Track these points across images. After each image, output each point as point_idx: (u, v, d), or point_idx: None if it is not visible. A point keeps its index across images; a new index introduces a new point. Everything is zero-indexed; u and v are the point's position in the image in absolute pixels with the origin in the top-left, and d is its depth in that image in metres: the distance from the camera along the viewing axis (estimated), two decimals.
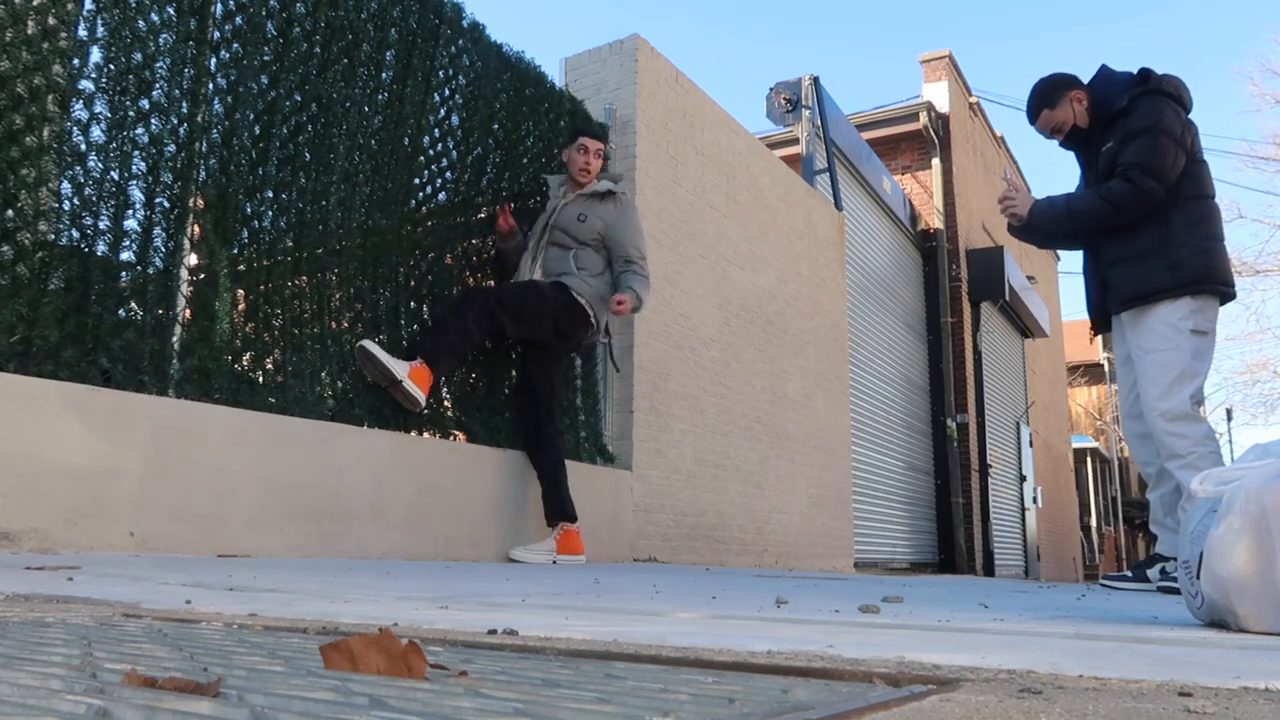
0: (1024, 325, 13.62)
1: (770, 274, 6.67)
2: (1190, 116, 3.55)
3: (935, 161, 11.28)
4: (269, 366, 3.20)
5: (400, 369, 3.42)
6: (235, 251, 3.10)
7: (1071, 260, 17.81)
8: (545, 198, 4.47)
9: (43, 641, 0.91)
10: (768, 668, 0.91)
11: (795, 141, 8.57)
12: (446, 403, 3.94)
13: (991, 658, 1.04)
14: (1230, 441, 22.70)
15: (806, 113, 8.27)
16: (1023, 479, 12.96)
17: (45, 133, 2.60)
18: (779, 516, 6.43)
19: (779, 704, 0.69)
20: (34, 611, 1.24)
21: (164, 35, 2.91)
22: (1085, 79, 3.70)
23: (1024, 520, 12.95)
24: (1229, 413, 23.18)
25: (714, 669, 0.90)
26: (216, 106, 3.08)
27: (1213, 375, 25.90)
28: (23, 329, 2.48)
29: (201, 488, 2.79)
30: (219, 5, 3.09)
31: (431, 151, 3.96)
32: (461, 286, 4.14)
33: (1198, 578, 1.60)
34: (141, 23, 2.84)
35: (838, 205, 8.21)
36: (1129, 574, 3.78)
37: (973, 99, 12.81)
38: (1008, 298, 11.79)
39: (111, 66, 2.75)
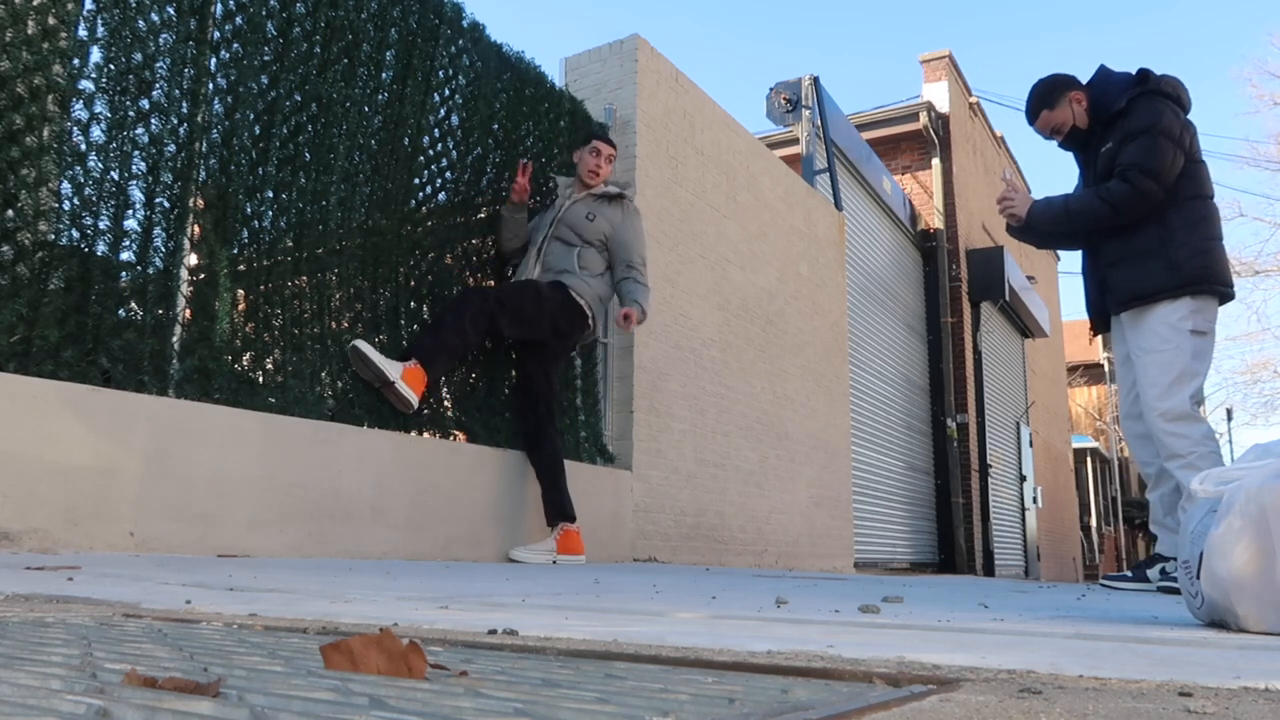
0: (1024, 325, 13.62)
1: (770, 274, 6.67)
2: (1189, 117, 3.56)
3: (935, 161, 11.29)
4: (269, 366, 3.19)
5: (393, 370, 3.41)
6: (235, 251, 3.10)
7: (1071, 260, 17.82)
8: (553, 197, 4.48)
9: (43, 641, 0.91)
10: (768, 668, 0.91)
11: (795, 141, 8.57)
12: (446, 403, 3.94)
13: (991, 658, 1.04)
14: (1230, 441, 22.71)
15: (806, 113, 8.27)
16: (1023, 479, 12.96)
17: (45, 133, 2.60)
18: (779, 516, 6.43)
19: (779, 704, 0.69)
20: (34, 611, 1.24)
21: (164, 35, 2.91)
22: (1084, 79, 3.70)
23: (1024, 520, 12.95)
24: (1229, 413, 23.18)
25: (714, 669, 0.90)
26: (216, 106, 3.08)
27: (1213, 375, 25.91)
28: (23, 329, 2.48)
29: (201, 488, 2.79)
30: (219, 5, 3.09)
31: (431, 151, 3.96)
32: (461, 286, 4.14)
33: (1198, 578, 1.60)
34: (141, 23, 2.84)
35: (838, 205, 8.21)
36: (1129, 574, 3.78)
37: (973, 99, 12.81)
38: (1008, 298, 11.79)
39: (111, 66, 2.75)
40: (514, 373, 4.25)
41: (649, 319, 5.07)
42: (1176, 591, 3.05)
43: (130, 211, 2.79)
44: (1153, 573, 3.61)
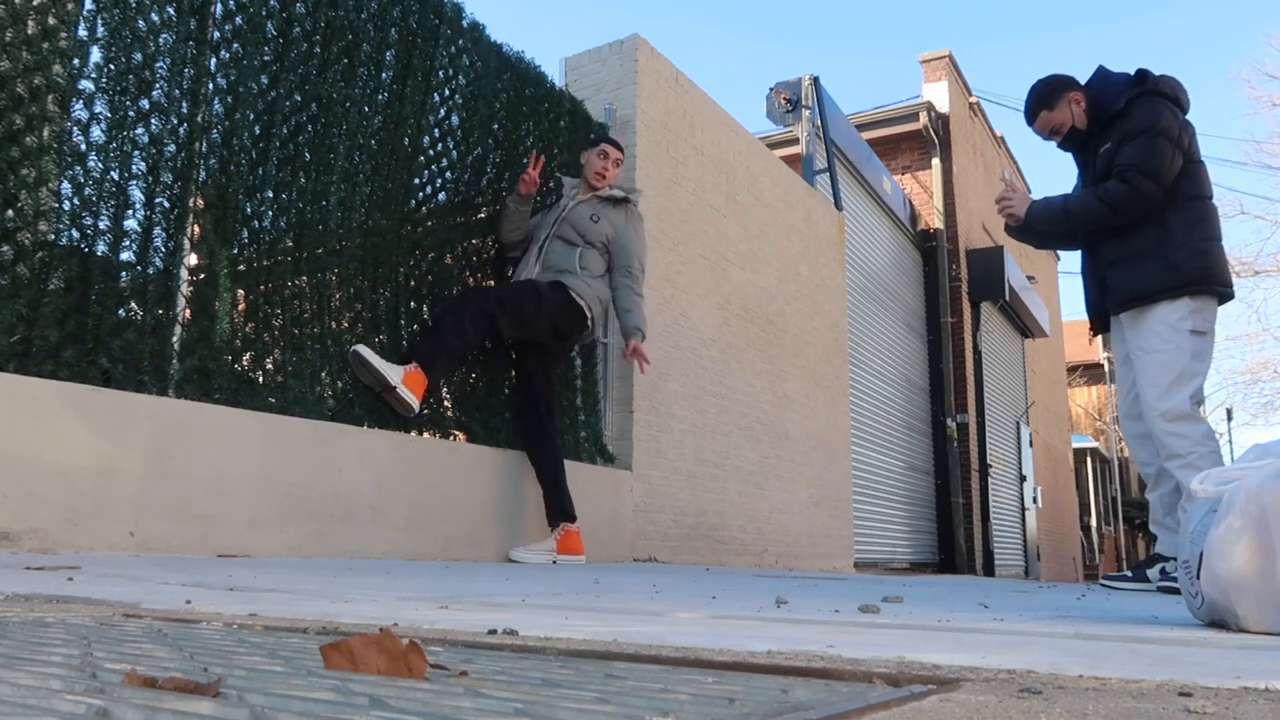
0: (1024, 325, 13.62)
1: (770, 274, 6.67)
2: (1188, 117, 3.56)
3: (935, 161, 11.29)
4: (269, 366, 3.19)
5: (394, 375, 3.41)
6: (235, 251, 3.10)
7: (1071, 260, 17.84)
8: (554, 196, 4.49)
9: (43, 641, 0.91)
10: (768, 668, 0.91)
11: (795, 141, 8.57)
12: (446, 403, 3.94)
13: (991, 658, 1.04)
14: (1230, 441, 22.70)
15: (806, 113, 8.27)
16: (1023, 479, 12.96)
17: (45, 133, 2.60)
18: (779, 516, 6.43)
19: (779, 704, 0.69)
20: (34, 611, 1.24)
21: (164, 35, 2.91)
22: (1083, 80, 3.70)
23: (1024, 520, 12.95)
24: (1229, 413, 23.17)
25: (714, 669, 0.90)
26: (216, 106, 3.08)
27: (1213, 375, 25.93)
28: (23, 329, 2.48)
29: (201, 488, 2.79)
30: (219, 5, 3.09)
31: (431, 151, 3.96)
32: (461, 286, 4.14)
33: (1198, 578, 1.60)
34: (141, 23, 2.84)
35: (838, 205, 8.21)
36: (1129, 574, 3.78)
37: (973, 99, 12.81)
38: (1008, 298, 11.79)
39: (111, 66, 2.75)
40: (514, 373, 4.25)
41: (649, 319, 5.08)
42: (1176, 591, 3.05)
43: (130, 211, 2.79)
44: (1153, 573, 3.61)
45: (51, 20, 2.63)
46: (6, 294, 2.47)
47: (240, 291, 3.12)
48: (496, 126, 4.30)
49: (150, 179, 2.85)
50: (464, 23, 4.10)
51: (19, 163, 2.53)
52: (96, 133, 2.72)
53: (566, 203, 4.21)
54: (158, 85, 2.88)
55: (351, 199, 3.53)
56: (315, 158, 3.38)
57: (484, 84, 4.20)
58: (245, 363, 3.11)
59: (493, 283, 4.32)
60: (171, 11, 2.93)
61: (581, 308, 4.02)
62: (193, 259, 2.97)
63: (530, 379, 4.05)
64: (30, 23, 2.58)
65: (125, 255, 2.79)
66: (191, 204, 2.96)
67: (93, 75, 2.72)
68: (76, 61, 2.69)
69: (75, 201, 2.66)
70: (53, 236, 2.62)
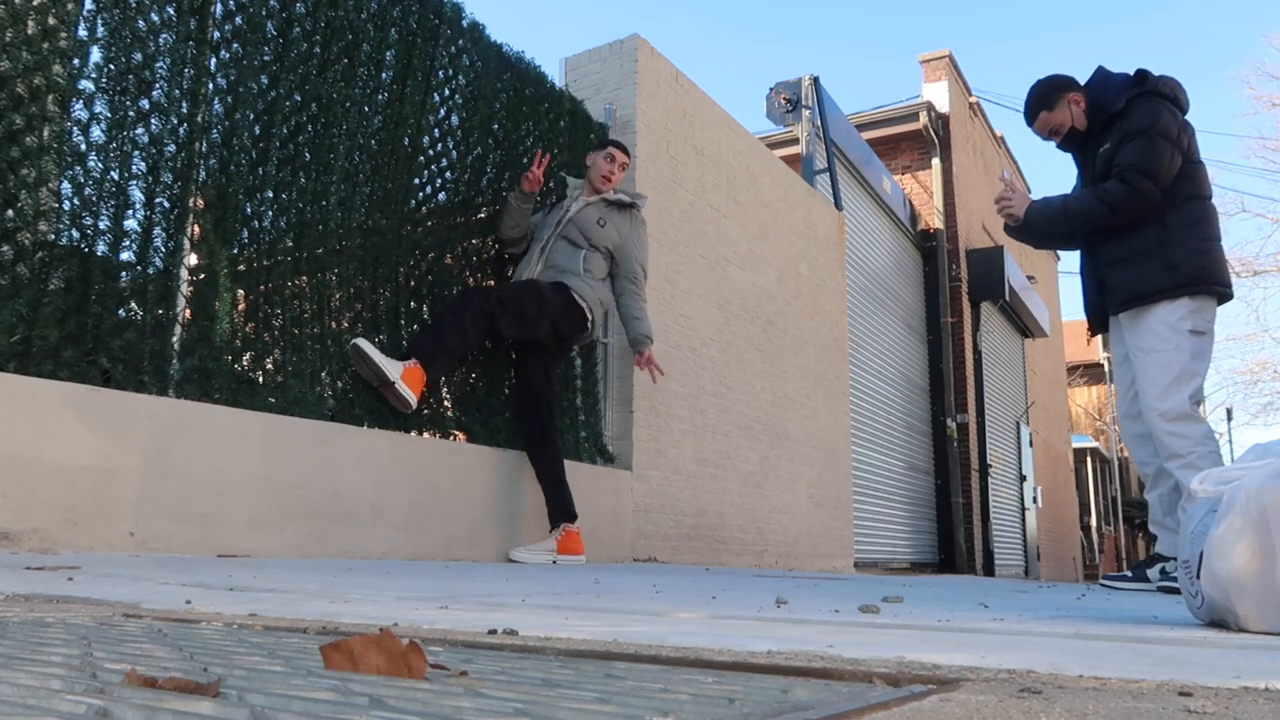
0: (1024, 325, 13.62)
1: (770, 274, 6.67)
2: (1187, 118, 3.56)
3: (935, 161, 11.29)
4: (269, 366, 3.19)
5: (393, 370, 3.41)
6: (235, 251, 3.10)
7: (1071, 260, 17.84)
8: (555, 196, 4.48)
9: (43, 641, 0.91)
10: (768, 668, 0.91)
11: (795, 141, 8.57)
12: (446, 403, 3.94)
13: (991, 658, 1.04)
14: (1230, 441, 22.70)
15: (806, 113, 8.27)
16: (1023, 479, 12.96)
17: (45, 133, 2.60)
18: (779, 516, 6.43)
19: (779, 704, 0.69)
20: (34, 611, 1.24)
21: (164, 35, 2.91)
22: (1083, 80, 3.70)
23: (1024, 520, 12.95)
24: (1229, 413, 23.16)
25: (714, 669, 0.90)
26: (216, 106, 3.08)
27: (1213, 375, 25.94)
28: (23, 329, 2.48)
29: (201, 488, 2.79)
30: (219, 5, 3.09)
31: (431, 151, 3.95)
32: (462, 286, 4.14)
33: (1198, 578, 1.60)
34: (141, 23, 2.84)
35: (838, 205, 8.21)
36: (1129, 574, 3.78)
37: (973, 99, 12.81)
38: (1008, 298, 11.79)
39: (111, 66, 2.75)
40: (514, 373, 4.25)
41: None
42: (1176, 591, 3.05)
43: (130, 211, 2.79)
44: (1153, 573, 3.61)
45: (51, 20, 2.63)
46: (6, 294, 2.47)
47: (240, 291, 3.12)
48: (496, 126, 4.30)
49: (150, 179, 2.85)
50: (464, 23, 4.10)
51: (19, 163, 2.53)
52: (96, 133, 2.72)
53: (570, 203, 4.21)
54: (158, 85, 2.88)
55: (351, 199, 3.53)
56: (315, 158, 3.38)
57: (484, 84, 4.20)
58: (245, 363, 3.11)
59: (493, 282, 4.32)
60: (171, 11, 2.93)
61: (583, 309, 4.02)
62: (193, 259, 2.97)
63: (531, 379, 4.05)
64: (30, 23, 2.58)
65: (125, 255, 2.79)
66: (191, 204, 2.96)
67: (93, 75, 2.72)
68: (76, 61, 2.69)
69: (75, 201, 2.66)
70: (53, 236, 2.62)
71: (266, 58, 3.24)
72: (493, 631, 1.19)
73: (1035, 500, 13.23)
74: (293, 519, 3.05)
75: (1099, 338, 13.68)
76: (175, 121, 2.92)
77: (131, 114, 2.80)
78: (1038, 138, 3.78)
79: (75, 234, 2.66)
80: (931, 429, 10.78)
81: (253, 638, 1.04)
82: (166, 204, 2.89)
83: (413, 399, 3.47)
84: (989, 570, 10.89)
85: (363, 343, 3.36)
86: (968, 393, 10.99)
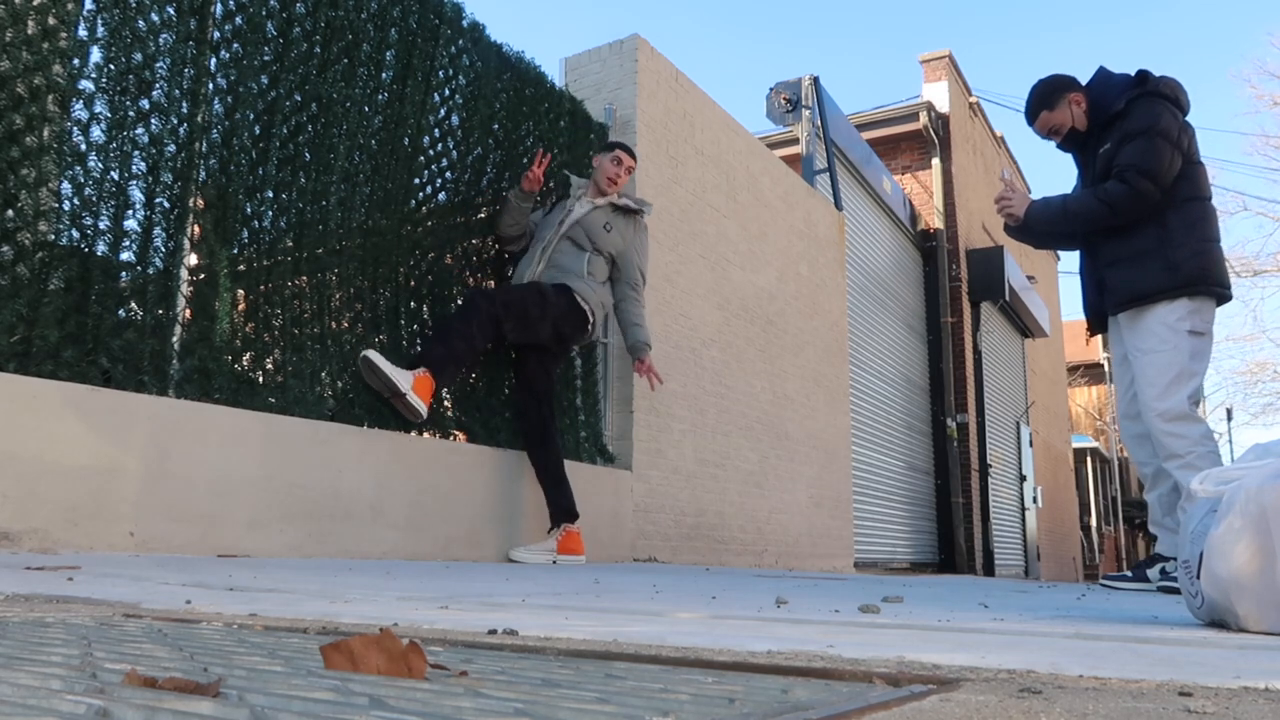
0: (1024, 325, 13.62)
1: (770, 274, 6.67)
2: (1188, 119, 3.56)
3: (935, 161, 11.29)
4: (269, 366, 3.19)
5: (404, 381, 3.42)
6: (235, 251, 3.10)
7: (1071, 260, 17.84)
8: (556, 195, 4.48)
9: (43, 641, 0.91)
10: (768, 668, 0.91)
11: (795, 141, 8.57)
12: (446, 403, 3.94)
13: (991, 658, 1.04)
14: (1230, 441, 22.71)
15: (806, 113, 8.27)
16: (1023, 479, 12.96)
17: (45, 133, 2.60)
18: (779, 516, 6.43)
19: (779, 704, 0.69)
20: (34, 611, 1.24)
21: (164, 35, 2.91)
22: (1084, 80, 3.70)
23: (1024, 520, 12.95)
24: (1229, 413, 23.17)
25: (714, 669, 0.90)
26: (216, 106, 3.08)
27: (1213, 375, 25.95)
28: (23, 329, 2.48)
29: (201, 488, 2.79)
30: (219, 5, 3.09)
31: (431, 151, 3.95)
32: (462, 286, 4.14)
33: (1198, 578, 1.60)
34: (141, 23, 2.84)
35: (838, 205, 8.21)
36: (1129, 574, 3.79)
37: (973, 99, 12.81)
38: (1008, 298, 11.79)
39: (111, 66, 2.75)
40: (514, 373, 4.25)
41: (649, 319, 5.08)
42: (1176, 591, 3.05)
43: (130, 211, 2.79)
44: (1153, 573, 3.61)
45: (51, 20, 2.63)
46: (6, 294, 2.47)
47: (240, 291, 3.12)
48: (496, 126, 4.30)
49: (150, 179, 2.85)
50: (464, 23, 4.10)
51: (19, 163, 2.53)
52: (96, 133, 2.72)
53: (574, 203, 4.20)
54: (158, 85, 2.88)
55: (351, 199, 3.53)
56: (315, 158, 3.38)
57: (484, 84, 4.19)
58: (245, 363, 3.11)
59: (493, 282, 4.32)
60: (171, 11, 2.93)
61: (585, 312, 4.03)
62: (193, 259, 2.97)
63: (531, 379, 4.06)
64: (30, 23, 2.58)
65: (125, 255, 2.79)
66: (191, 204, 2.96)
67: (93, 75, 2.72)
68: (76, 61, 2.69)
69: (75, 201, 2.66)
70: (53, 236, 2.62)
71: (266, 58, 3.24)
72: (493, 631, 1.19)
73: (1035, 500, 13.23)
74: (293, 519, 3.05)
75: (1099, 338, 13.69)
76: (175, 121, 2.92)
77: (131, 114, 2.80)
78: (1038, 137, 3.79)
79: (75, 234, 2.66)
80: (931, 429, 10.78)
81: (253, 638, 1.04)
82: (166, 204, 2.89)
83: (424, 409, 3.49)
84: (989, 570, 10.89)
85: (373, 354, 3.36)
86: (968, 393, 10.99)
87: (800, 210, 7.31)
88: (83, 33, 2.71)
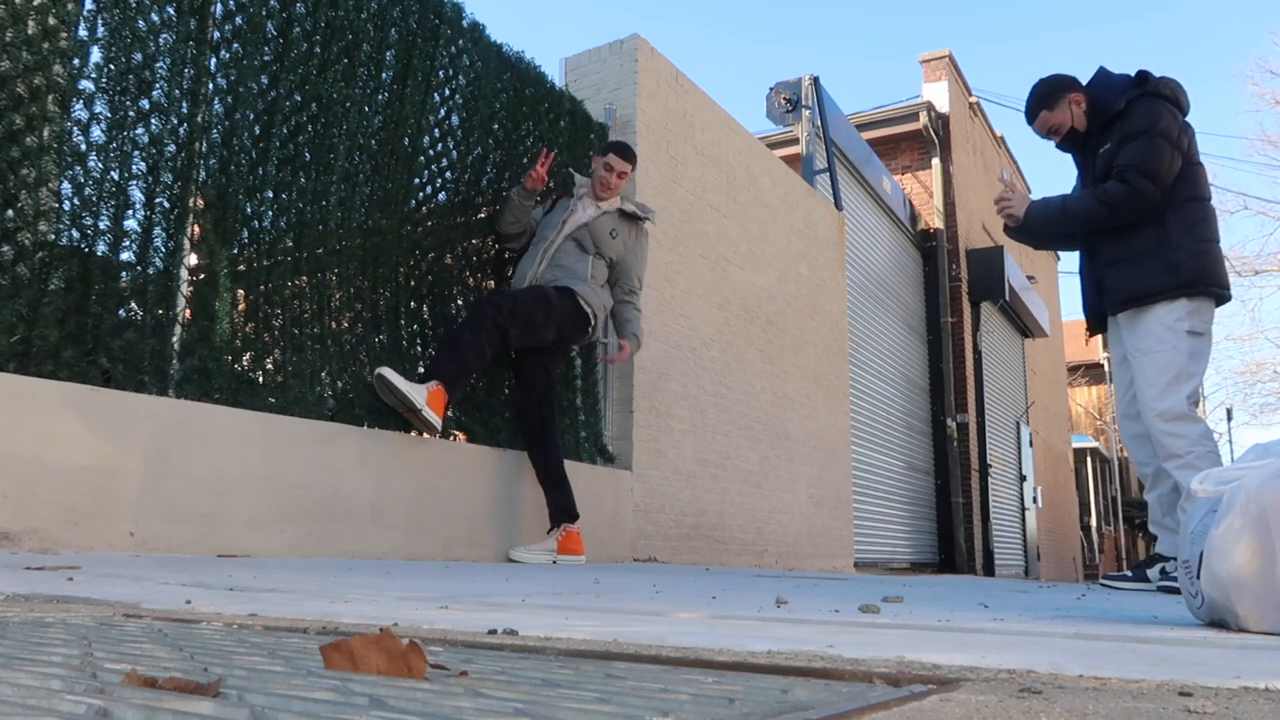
0: (1024, 325, 13.62)
1: (770, 274, 6.67)
2: (1188, 119, 3.56)
3: (935, 161, 11.28)
4: (269, 366, 3.20)
5: (419, 396, 3.43)
6: (235, 251, 3.10)
7: (1071, 260, 17.83)
8: (557, 194, 4.48)
9: (43, 641, 0.91)
10: (768, 668, 0.91)
11: (795, 141, 8.57)
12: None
13: (991, 658, 1.04)
14: (1230, 441, 22.71)
15: (806, 113, 8.27)
16: (1023, 479, 12.96)
17: (45, 133, 2.60)
18: (779, 516, 6.43)
19: (779, 704, 0.69)
20: (34, 611, 1.24)
21: (164, 35, 2.91)
22: (1085, 80, 3.70)
23: (1024, 520, 12.95)
24: (1229, 413, 23.17)
25: (714, 669, 0.90)
26: (216, 106, 3.08)
27: (1213, 375, 25.94)
28: (23, 329, 2.48)
29: (201, 488, 2.79)
30: (219, 5, 3.09)
31: (431, 151, 3.95)
32: (462, 286, 4.14)
33: (1198, 578, 1.60)
34: (141, 23, 2.84)
35: (838, 205, 8.21)
36: (1129, 574, 3.78)
37: (973, 99, 12.81)
38: (1008, 298, 11.79)
39: (111, 66, 2.75)
40: (514, 373, 4.24)
41: (649, 319, 5.08)
42: (1176, 591, 3.05)
43: (130, 211, 2.79)
44: (1153, 573, 3.61)
45: (51, 20, 2.63)
46: (6, 294, 2.47)
47: (240, 291, 3.12)
48: (496, 126, 4.30)
49: (150, 179, 2.85)
50: (464, 23, 4.10)
51: (19, 163, 2.53)
52: (96, 133, 2.72)
53: (576, 203, 4.20)
54: (158, 85, 2.88)
55: (351, 199, 3.53)
56: (315, 158, 3.38)
57: (484, 84, 4.19)
58: (245, 363, 3.11)
59: (493, 283, 4.32)
60: (171, 11, 2.93)
61: (588, 315, 4.04)
62: (193, 259, 2.97)
63: (532, 379, 4.06)
64: (30, 23, 2.58)
65: (125, 255, 2.79)
66: (191, 204, 2.96)
67: (93, 75, 2.72)
68: (76, 61, 2.69)
69: (75, 201, 2.66)
70: (53, 236, 2.62)
71: (266, 58, 3.24)
72: (493, 631, 1.19)
73: (1035, 500, 13.23)
74: (293, 519, 3.05)
75: (1099, 337, 13.70)
76: (175, 121, 2.92)
77: (131, 114, 2.80)
78: (1038, 136, 3.79)
79: (75, 234, 2.66)
80: (931, 429, 10.78)
81: (253, 638, 1.04)
82: (166, 204, 2.89)
83: (439, 423, 3.52)
84: (989, 570, 10.89)
85: (388, 372, 3.37)
86: (968, 393, 10.99)
87: (800, 210, 7.31)
88: (83, 33, 2.71)
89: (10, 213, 2.51)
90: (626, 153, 4.23)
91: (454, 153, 4.08)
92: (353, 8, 3.54)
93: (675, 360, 5.35)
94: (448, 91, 4.03)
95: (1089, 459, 20.64)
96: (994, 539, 11.23)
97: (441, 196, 4.03)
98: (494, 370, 4.19)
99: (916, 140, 11.39)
